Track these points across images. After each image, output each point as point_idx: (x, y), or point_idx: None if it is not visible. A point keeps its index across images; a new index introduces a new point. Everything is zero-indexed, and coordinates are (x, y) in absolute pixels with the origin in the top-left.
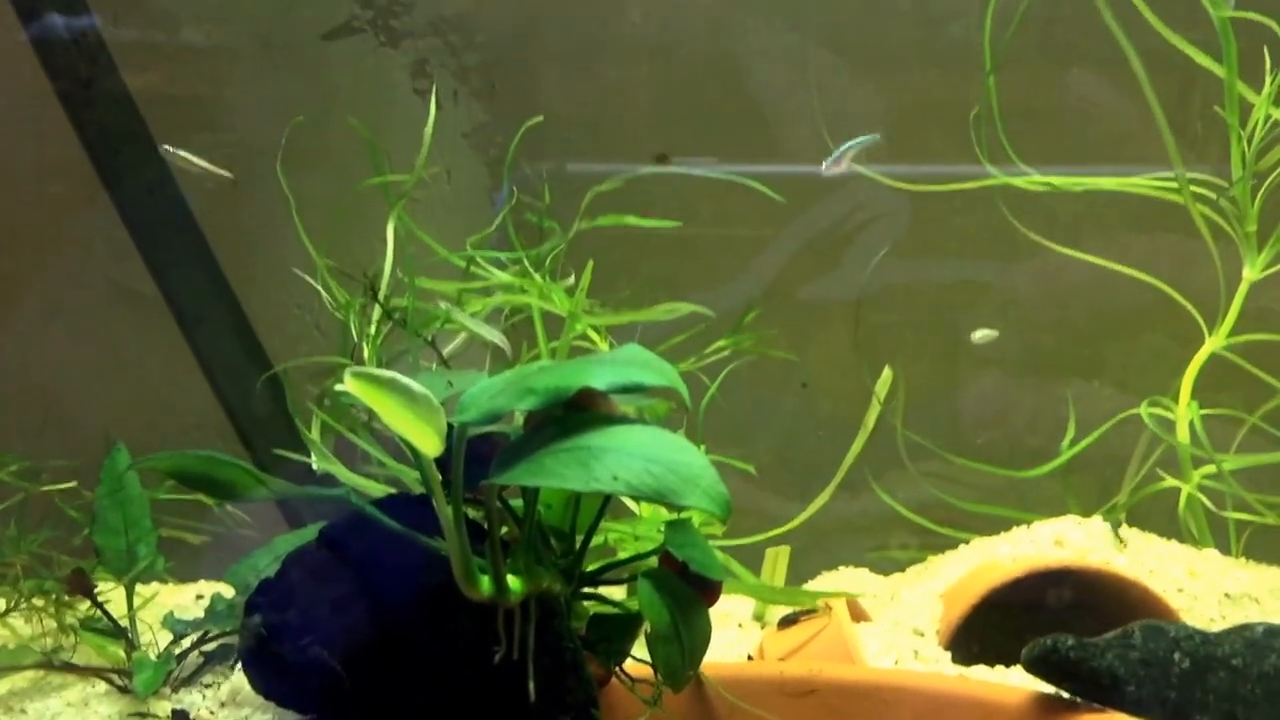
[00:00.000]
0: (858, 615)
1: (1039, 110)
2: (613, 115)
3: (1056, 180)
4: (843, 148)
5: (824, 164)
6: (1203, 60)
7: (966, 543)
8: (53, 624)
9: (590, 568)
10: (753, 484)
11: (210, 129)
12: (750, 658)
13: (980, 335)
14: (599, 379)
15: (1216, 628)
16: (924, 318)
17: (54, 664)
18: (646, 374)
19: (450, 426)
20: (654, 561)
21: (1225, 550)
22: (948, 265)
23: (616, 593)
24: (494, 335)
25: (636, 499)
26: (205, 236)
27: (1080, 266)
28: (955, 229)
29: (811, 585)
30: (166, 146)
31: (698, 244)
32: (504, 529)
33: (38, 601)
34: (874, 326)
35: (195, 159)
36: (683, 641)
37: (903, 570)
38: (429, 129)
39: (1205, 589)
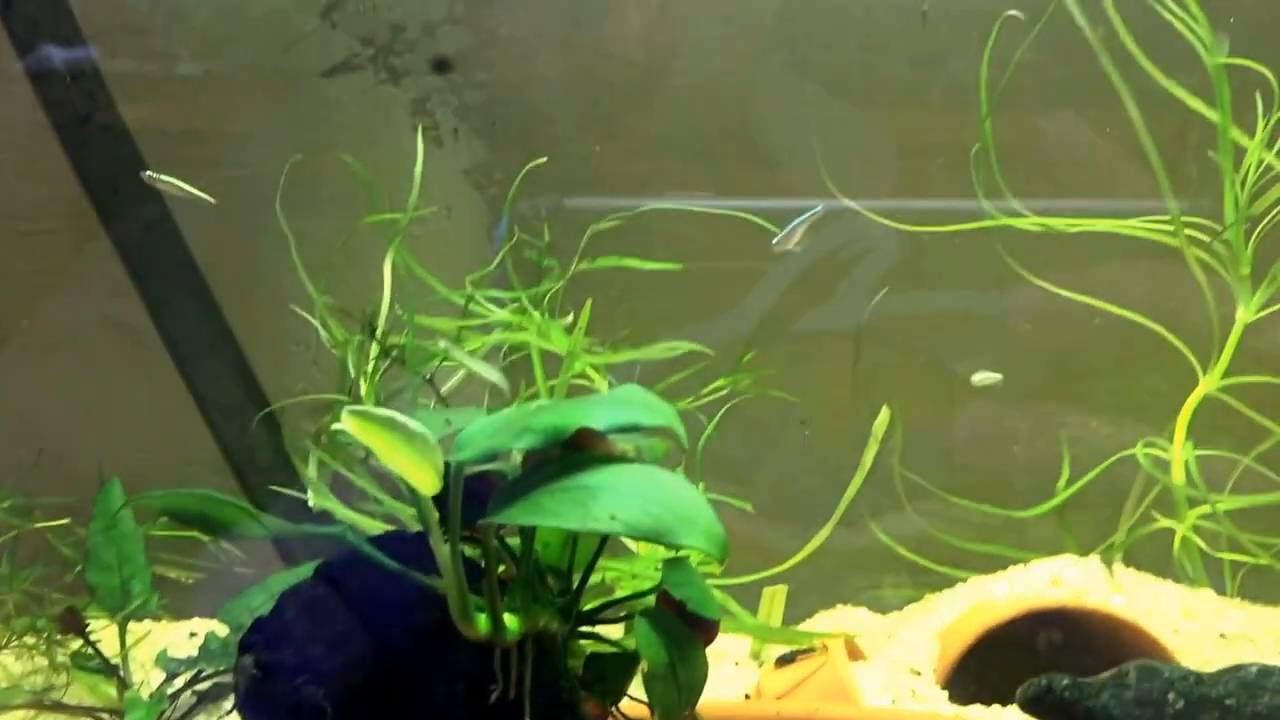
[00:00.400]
0: (855, 654)
1: (1036, 149)
2: (613, 152)
3: (1053, 221)
4: (793, 224)
5: (775, 240)
6: (1197, 105)
7: (964, 581)
8: (44, 662)
9: (588, 606)
10: (751, 521)
11: (209, 164)
12: (747, 696)
13: (980, 378)
14: (597, 419)
15: (1211, 668)
16: (921, 352)
17: (45, 703)
18: (645, 413)
19: (448, 465)
20: (651, 600)
21: (1221, 590)
22: (944, 300)
23: (614, 631)
24: (492, 373)
25: (634, 538)
26: (203, 273)
27: (1079, 301)
28: (953, 263)
29: (809, 624)
30: (149, 172)
31: (696, 278)
32: (501, 567)
33: (29, 639)
34: (871, 361)
35: (176, 182)
36: (679, 680)
37: (900, 609)
38: (418, 168)
39: (1201, 629)
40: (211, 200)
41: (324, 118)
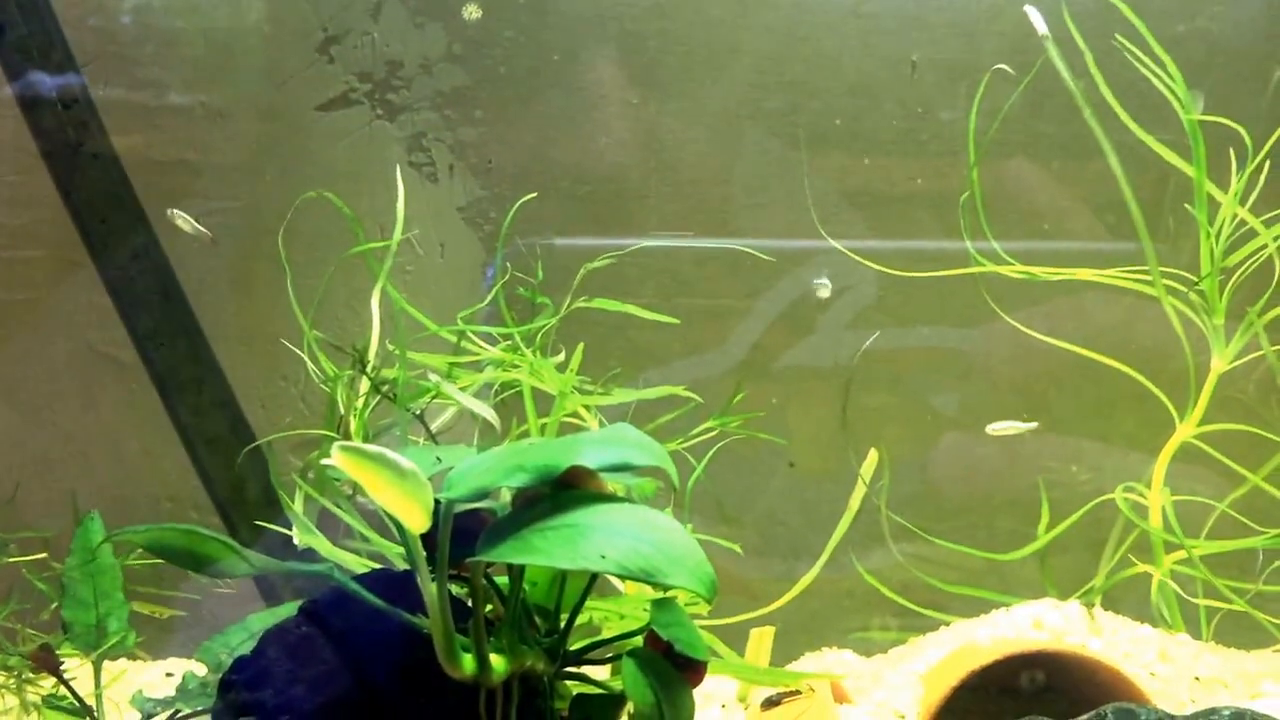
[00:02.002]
0: (840, 696)
1: (1021, 195)
2: (605, 192)
3: (1037, 270)
4: (822, 278)
5: (817, 286)
6: (1174, 159)
7: (948, 624)
8: (15, 701)
9: (574, 647)
10: (739, 561)
11: (200, 196)
12: None
13: (1000, 427)
14: (589, 458)
15: (1187, 711)
16: (907, 391)
17: None
18: (636, 453)
19: (437, 502)
20: (639, 641)
21: (1196, 634)
22: (929, 339)
23: (600, 672)
24: (484, 410)
25: (624, 578)
26: (190, 305)
27: (1061, 332)
28: (939, 304)
29: (795, 666)
30: (173, 210)
31: (685, 314)
32: (488, 607)
33: (0, 678)
34: (857, 400)
35: (189, 219)
36: None
37: (886, 651)
38: (400, 205)
39: (1177, 673)
40: (209, 234)
41: (318, 152)
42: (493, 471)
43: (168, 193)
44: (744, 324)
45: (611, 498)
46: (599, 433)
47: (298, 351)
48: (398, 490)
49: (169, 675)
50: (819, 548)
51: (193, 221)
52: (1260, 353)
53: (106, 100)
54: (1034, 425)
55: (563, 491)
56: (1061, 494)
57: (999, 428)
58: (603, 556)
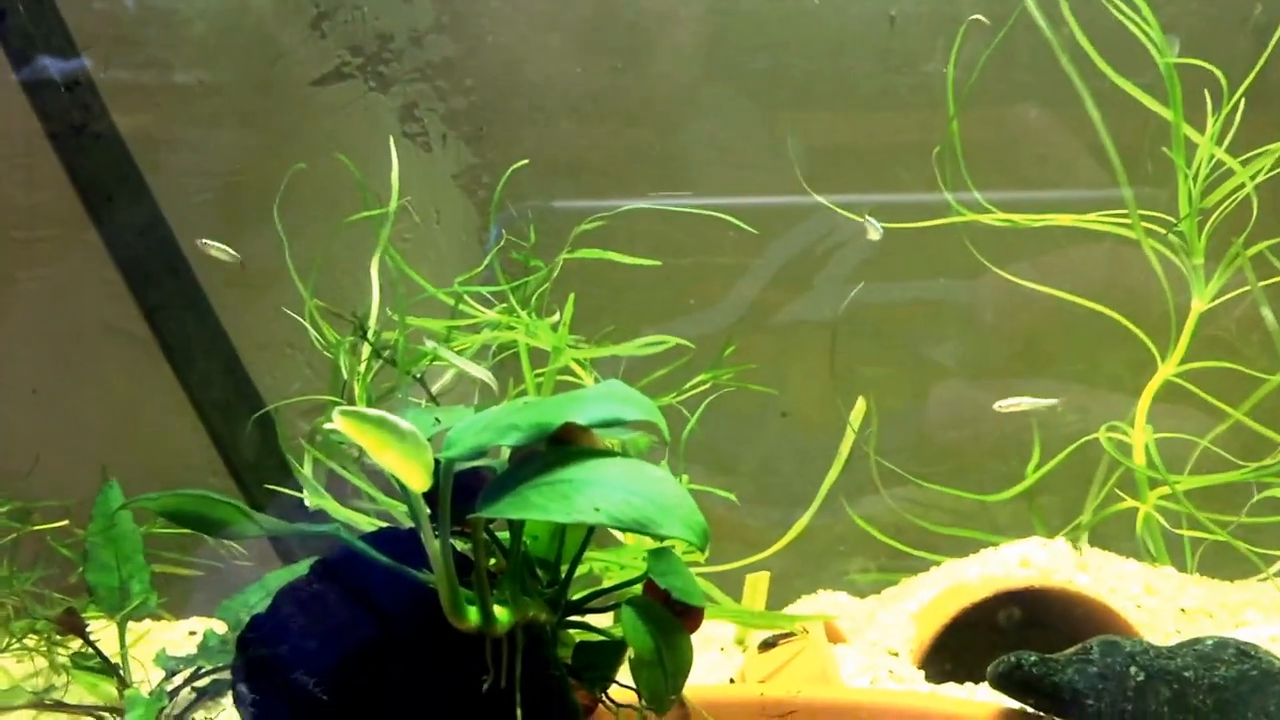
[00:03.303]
0: (835, 637)
1: (1002, 145)
2: (597, 155)
3: (1018, 217)
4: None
5: (868, 225)
6: (1151, 104)
7: (938, 565)
8: (44, 663)
9: (575, 596)
10: (734, 509)
11: (201, 172)
12: (732, 680)
13: (1009, 404)
14: (582, 414)
15: (1172, 642)
16: (895, 341)
17: (46, 703)
18: (628, 408)
19: (438, 462)
20: (638, 589)
21: (1181, 567)
22: (916, 290)
23: (602, 620)
24: (481, 372)
25: (618, 529)
26: (197, 277)
27: (1046, 283)
28: (924, 255)
29: (791, 609)
30: (203, 240)
31: (678, 275)
32: (491, 560)
33: (29, 641)
34: (848, 350)
35: (223, 247)
36: (665, 666)
37: (878, 593)
38: (394, 175)
39: (1162, 605)
40: (239, 258)
41: (314, 125)
42: (489, 430)
43: (170, 169)
44: (739, 281)
45: (605, 453)
46: (590, 389)
47: (300, 320)
48: (398, 451)
49: (191, 634)
50: (813, 494)
51: (223, 248)
52: (1242, 290)
53: (108, 81)
54: (1053, 402)
55: (557, 448)
56: (1048, 435)
57: (1009, 404)
58: (596, 509)
